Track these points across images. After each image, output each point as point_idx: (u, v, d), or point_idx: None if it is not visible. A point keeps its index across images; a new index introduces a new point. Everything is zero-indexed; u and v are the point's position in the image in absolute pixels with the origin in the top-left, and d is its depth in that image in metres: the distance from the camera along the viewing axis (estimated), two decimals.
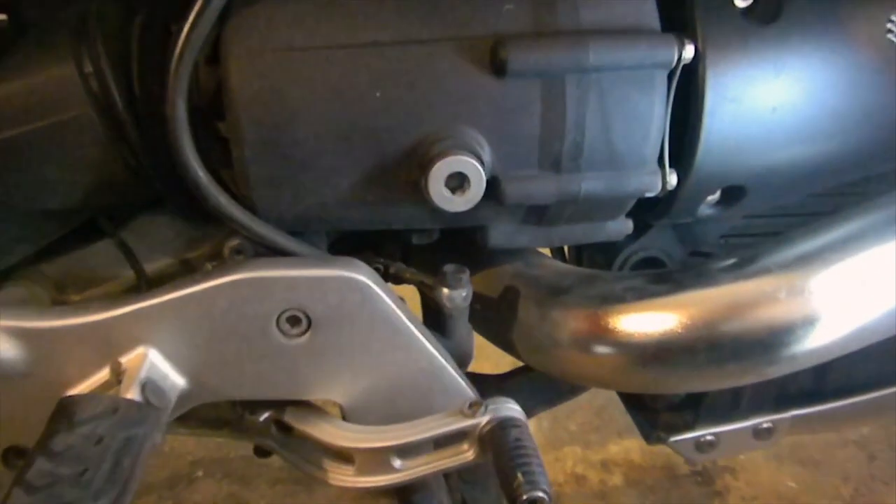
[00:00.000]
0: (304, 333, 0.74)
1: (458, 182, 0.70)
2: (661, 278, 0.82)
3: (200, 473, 1.74)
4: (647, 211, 0.86)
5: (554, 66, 0.68)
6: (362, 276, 0.73)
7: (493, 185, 0.72)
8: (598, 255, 0.98)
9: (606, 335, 0.80)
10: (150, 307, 0.72)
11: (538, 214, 0.79)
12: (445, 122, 0.70)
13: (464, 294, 0.81)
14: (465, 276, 0.80)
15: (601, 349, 0.81)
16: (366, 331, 0.75)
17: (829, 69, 0.75)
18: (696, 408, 1.07)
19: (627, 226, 0.85)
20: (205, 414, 0.84)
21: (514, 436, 0.68)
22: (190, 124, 0.70)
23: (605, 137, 0.71)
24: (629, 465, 1.79)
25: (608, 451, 1.82)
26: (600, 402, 1.95)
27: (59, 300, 0.85)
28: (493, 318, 0.92)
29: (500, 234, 0.82)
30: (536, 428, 1.91)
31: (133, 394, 0.68)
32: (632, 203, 0.80)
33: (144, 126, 0.73)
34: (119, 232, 0.85)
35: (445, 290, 0.80)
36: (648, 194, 0.76)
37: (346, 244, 0.91)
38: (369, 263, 0.80)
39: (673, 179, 0.76)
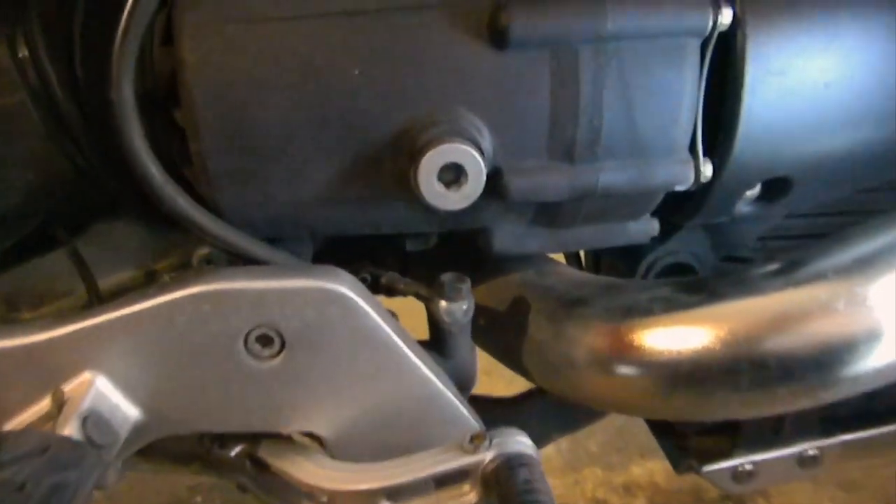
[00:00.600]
0: (276, 355, 0.64)
1: (453, 175, 0.59)
2: (693, 287, 0.70)
3: (199, 500, 1.66)
4: (675, 209, 0.74)
5: (565, 34, 0.58)
6: (343, 287, 0.63)
7: (494, 178, 0.62)
8: (618, 262, 0.87)
9: (631, 353, 0.68)
10: (95, 326, 0.61)
11: (549, 214, 0.68)
12: (437, 103, 0.59)
13: (464, 307, 0.70)
14: (466, 286, 0.69)
15: (625, 370, 0.69)
16: (349, 351, 0.64)
17: (891, 37, 0.64)
18: (732, 433, 0.95)
19: (653, 227, 0.74)
20: (169, 448, 0.73)
21: (523, 476, 0.57)
22: (144, 115, 0.60)
23: (626, 120, 0.60)
24: (654, 488, 1.69)
25: (631, 474, 1.71)
26: (622, 421, 1.84)
27: (10, 318, 0.75)
28: (501, 336, 0.81)
29: (506, 237, 0.71)
30: (554, 449, 1.80)
31: (71, 429, 0.58)
32: (658, 199, 0.68)
33: (89, 116, 0.63)
34: (75, 241, 0.75)
35: (443, 303, 0.70)
36: (678, 188, 0.64)
37: (337, 254, 0.80)
38: (356, 274, 0.70)
39: (707, 170, 0.64)
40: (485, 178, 0.60)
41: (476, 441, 0.61)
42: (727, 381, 0.66)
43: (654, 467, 1.75)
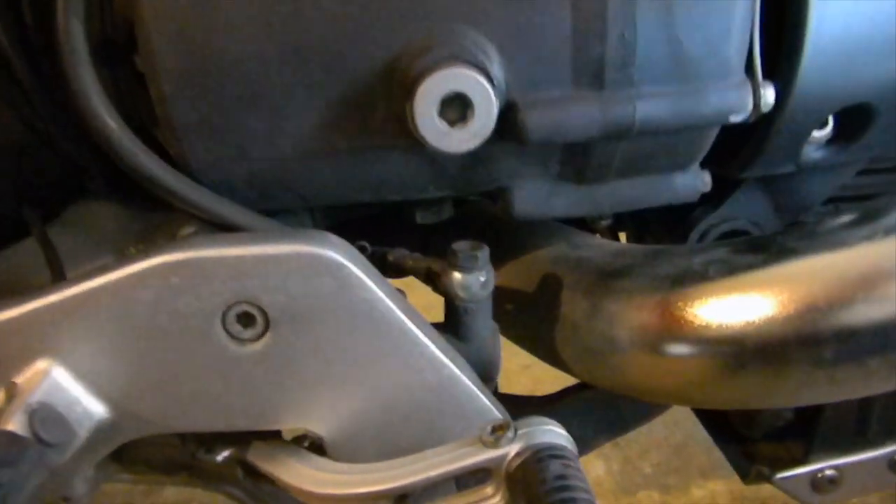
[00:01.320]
0: (260, 336, 0.54)
1: (458, 109, 0.50)
2: (757, 245, 0.58)
3: None
4: (729, 157, 0.63)
5: None
6: (335, 253, 0.53)
7: (508, 115, 0.52)
8: (665, 236, 0.76)
9: (685, 328, 0.57)
10: (47, 308, 0.53)
11: (578, 164, 0.58)
12: (434, 22, 0.49)
13: (482, 278, 0.59)
14: (483, 254, 0.59)
15: (679, 349, 0.58)
16: (346, 330, 0.54)
17: None
18: (808, 434, 0.82)
19: (704, 180, 0.62)
20: (150, 454, 0.64)
21: (555, 471, 0.46)
22: (105, 67, 0.53)
23: (665, 33, 0.50)
24: None
25: (691, 496, 1.57)
26: (679, 439, 1.70)
27: None
28: (530, 320, 0.70)
29: (528, 197, 0.60)
30: (605, 470, 1.67)
31: (15, 424, 0.49)
32: (710, 138, 0.57)
33: (39, 66, 0.56)
34: (48, 224, 0.67)
35: (457, 275, 0.59)
36: (734, 119, 0.53)
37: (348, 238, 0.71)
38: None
39: (769, 95, 0.53)
40: (496, 111, 0.49)
41: (499, 432, 0.50)
42: (807, 356, 0.53)
43: (717, 488, 1.61)
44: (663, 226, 0.78)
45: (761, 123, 0.57)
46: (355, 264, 0.54)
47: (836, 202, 0.74)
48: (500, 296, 0.71)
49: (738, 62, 0.52)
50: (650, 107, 0.51)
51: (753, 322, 0.54)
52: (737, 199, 0.72)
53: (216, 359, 0.55)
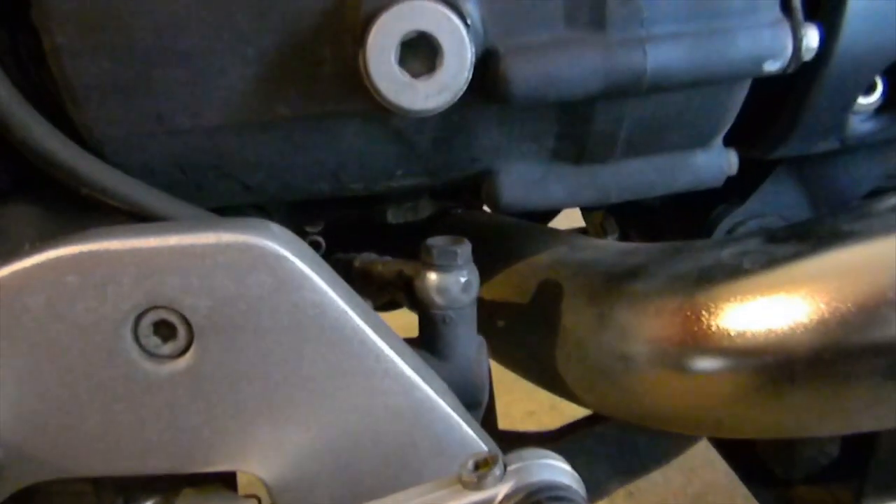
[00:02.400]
0: (182, 352, 0.43)
1: (423, 56, 0.40)
2: (803, 231, 0.47)
3: None
4: (757, 134, 0.53)
5: None
6: (275, 244, 0.42)
7: (487, 64, 0.41)
8: (681, 234, 0.65)
9: (717, 336, 0.46)
10: None
11: (578, 137, 0.47)
12: None
13: (462, 279, 0.48)
14: (464, 250, 0.48)
15: (709, 362, 0.46)
16: (290, 343, 0.43)
17: None
18: (858, 475, 0.69)
19: (730, 160, 0.52)
20: None
21: None
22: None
23: None
24: None
25: None
26: (697, 488, 1.56)
27: None
28: (525, 337, 0.59)
29: (519, 182, 0.50)
30: None
31: None
32: (738, 102, 0.47)
33: None
34: None
35: (433, 276, 0.48)
36: (769, 68, 0.43)
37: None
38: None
39: (812, 38, 0.43)
40: (470, 56, 0.39)
41: (483, 469, 0.38)
42: (876, 365, 0.42)
43: None
44: (678, 227, 0.67)
45: (799, 83, 0.47)
46: (301, 259, 0.43)
47: (881, 193, 0.63)
48: (489, 311, 0.60)
49: None
50: (665, 52, 0.41)
51: (804, 324, 0.43)
52: (765, 192, 0.61)
53: (126, 381, 0.43)
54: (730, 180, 0.55)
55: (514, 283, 0.61)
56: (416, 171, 0.50)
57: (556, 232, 0.65)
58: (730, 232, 0.62)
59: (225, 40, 0.42)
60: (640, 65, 0.41)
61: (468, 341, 0.50)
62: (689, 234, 0.64)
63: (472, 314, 0.50)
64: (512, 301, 0.60)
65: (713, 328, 0.46)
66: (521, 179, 0.50)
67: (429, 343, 0.50)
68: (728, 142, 0.52)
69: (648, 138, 0.48)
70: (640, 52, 0.41)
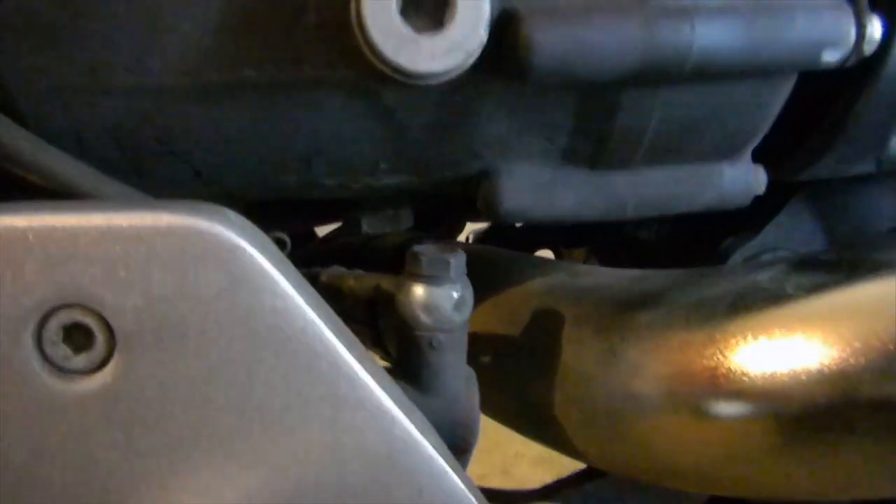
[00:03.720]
0: (100, 365, 0.34)
1: (430, 6, 0.33)
2: (840, 258, 0.41)
3: None
4: (789, 149, 0.47)
5: None
6: (231, 232, 0.33)
7: (505, 27, 0.34)
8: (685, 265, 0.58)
9: (754, 374, 0.38)
10: None
11: (599, 131, 0.41)
12: None
13: (455, 295, 0.40)
14: (458, 260, 0.40)
15: (742, 406, 0.39)
16: (242, 357, 0.34)
17: None
18: None
19: (758, 178, 0.46)
20: None
21: None
22: None
23: None
24: None
25: None
26: None
27: None
28: (515, 375, 0.51)
29: (523, 186, 0.43)
30: None
31: None
32: (781, 101, 0.41)
33: None
34: None
35: (419, 290, 0.40)
36: (828, 58, 0.37)
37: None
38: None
39: (875, 29, 0.37)
40: (489, 11, 0.32)
41: None
42: None
43: None
44: (682, 258, 0.60)
45: (847, 86, 0.41)
46: (263, 254, 0.34)
47: None
48: (473, 346, 0.52)
49: None
50: (714, 28, 0.35)
51: (868, 361, 0.36)
52: (780, 223, 0.55)
53: (23, 401, 0.33)
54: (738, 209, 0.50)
55: (501, 313, 0.53)
56: (403, 167, 0.42)
57: (546, 259, 0.58)
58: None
59: None
60: (685, 40, 0.35)
61: (457, 372, 0.42)
62: (687, 258, 0.57)
63: (463, 339, 0.42)
64: (498, 332, 0.52)
65: (750, 363, 0.39)
66: (526, 183, 0.43)
67: (410, 372, 0.41)
68: (756, 157, 0.46)
69: (676, 142, 0.42)
70: (686, 25, 0.35)
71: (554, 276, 0.52)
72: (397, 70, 0.33)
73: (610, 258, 0.76)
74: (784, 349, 0.38)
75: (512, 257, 0.59)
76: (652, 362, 0.42)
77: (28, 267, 0.32)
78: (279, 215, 0.51)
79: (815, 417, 0.37)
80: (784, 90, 0.40)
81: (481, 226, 1.12)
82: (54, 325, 0.33)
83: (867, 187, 0.53)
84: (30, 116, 0.36)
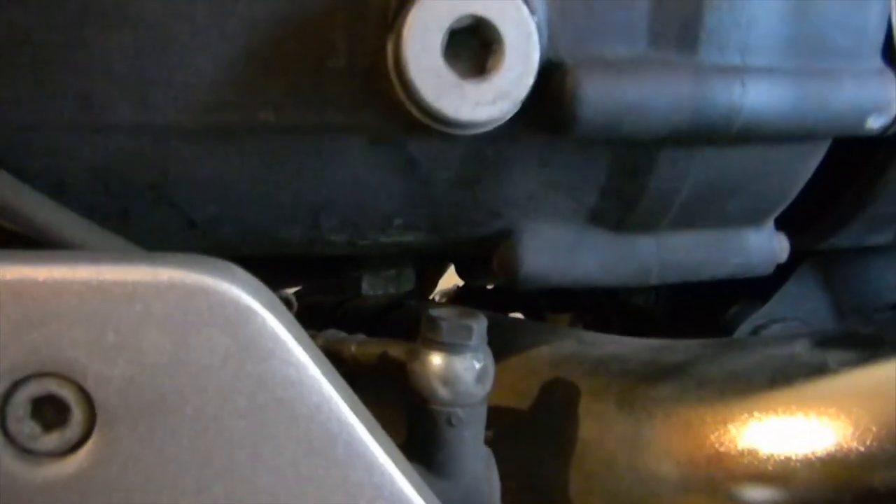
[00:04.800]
0: (75, 447, 0.28)
1: (473, 50, 0.30)
2: (866, 336, 0.39)
3: None
4: (812, 216, 0.46)
5: None
6: (239, 290, 0.29)
7: (550, 78, 0.32)
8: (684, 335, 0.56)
9: (802, 459, 0.35)
10: None
11: (628, 193, 0.38)
12: None
13: (477, 366, 0.36)
14: (480, 326, 0.37)
15: (791, 495, 0.36)
16: (247, 436, 0.29)
17: None
18: None
19: (781, 245, 0.44)
20: None
21: None
22: None
23: None
24: None
25: None
26: None
27: None
28: (522, 452, 0.47)
29: (545, 247, 0.40)
30: None
31: None
32: (814, 164, 0.40)
33: None
34: None
35: (437, 360, 0.36)
36: (873, 123, 0.36)
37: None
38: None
39: None
40: (537, 55, 0.30)
41: None
42: None
43: None
44: (674, 335, 0.58)
45: (880, 153, 0.40)
46: (275, 315, 0.30)
47: None
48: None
49: (874, 41, 0.36)
50: (764, 89, 0.33)
51: None
52: (787, 293, 0.54)
53: None
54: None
55: (507, 384, 0.49)
56: (419, 223, 0.39)
57: (550, 325, 0.55)
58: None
59: (196, 4, 0.30)
60: (736, 100, 0.33)
61: (476, 451, 0.37)
62: (701, 334, 0.55)
63: (482, 414, 0.38)
64: (505, 406, 0.48)
65: (798, 443, 0.36)
66: (548, 245, 0.40)
67: (424, 450, 0.37)
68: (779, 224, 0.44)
69: (706, 206, 0.40)
70: (737, 84, 0.33)
71: (562, 343, 0.49)
72: (437, 118, 0.30)
73: (598, 324, 0.73)
74: (836, 426, 0.35)
75: (511, 322, 0.55)
76: (685, 443, 0.39)
77: None
78: (268, 272, 0.47)
79: (874, 500, 0.34)
80: (818, 156, 0.39)
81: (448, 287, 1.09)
82: (22, 397, 0.28)
83: (875, 258, 0.52)
84: (7, 153, 0.31)
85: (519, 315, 0.94)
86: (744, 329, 0.54)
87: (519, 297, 0.85)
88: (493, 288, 0.88)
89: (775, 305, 0.54)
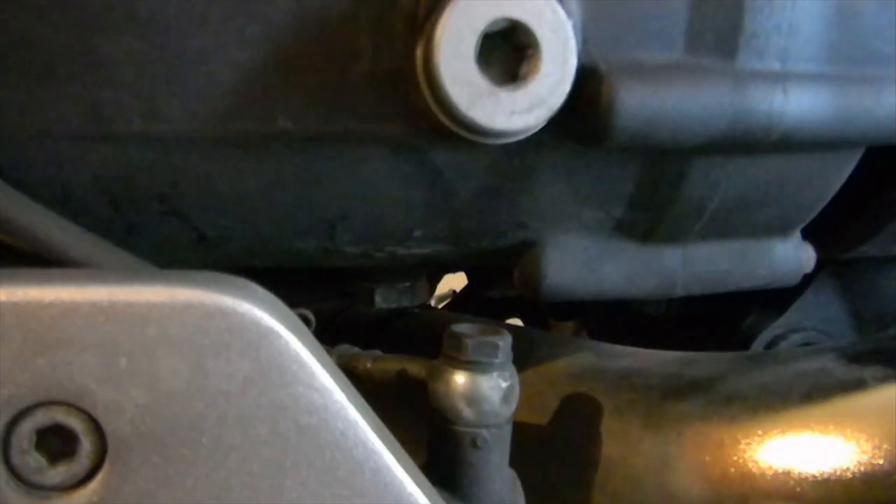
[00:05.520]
0: (83, 481, 0.26)
1: (506, 56, 0.28)
2: (891, 350, 0.38)
3: None
4: (838, 225, 0.45)
5: None
6: (260, 310, 0.27)
7: (584, 84, 0.30)
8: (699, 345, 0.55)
9: (844, 477, 0.34)
10: None
11: (657, 204, 0.37)
12: None
13: (503, 385, 0.35)
14: (506, 343, 0.35)
15: None
16: (267, 467, 0.27)
17: None
18: None
19: (808, 254, 0.43)
20: None
21: None
22: None
23: None
24: None
25: None
26: None
27: None
28: (540, 470, 0.45)
29: (570, 259, 0.38)
30: None
31: None
32: (842, 179, 0.39)
33: None
34: None
35: (461, 379, 0.34)
36: None
37: None
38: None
39: None
40: (574, 61, 0.29)
41: None
42: None
43: None
44: (685, 344, 0.57)
45: None
46: (298, 337, 0.28)
47: None
48: None
49: None
50: (805, 96, 0.32)
51: None
52: (806, 302, 0.53)
53: None
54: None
55: (523, 398, 0.47)
56: (439, 235, 0.37)
57: (563, 336, 0.53)
58: (768, 347, 0.52)
59: (213, 8, 0.28)
60: (777, 108, 0.32)
61: (502, 474, 0.36)
62: (720, 345, 0.54)
63: (508, 435, 0.36)
64: (521, 421, 0.47)
65: (838, 459, 0.35)
66: (573, 257, 0.38)
67: (447, 474, 0.35)
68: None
69: (737, 215, 0.38)
70: (778, 91, 0.31)
71: (580, 356, 0.47)
72: (470, 126, 0.28)
73: (605, 332, 0.72)
74: (873, 446, 0.34)
75: (525, 333, 0.54)
76: (717, 462, 0.37)
77: (0, 353, 0.25)
78: (272, 285, 0.45)
79: None
80: (852, 164, 0.38)
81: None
82: (27, 427, 0.26)
83: (895, 266, 0.51)
84: (8, 164, 0.29)
85: (517, 321, 0.93)
86: (762, 339, 0.53)
87: (519, 302, 0.84)
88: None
89: (793, 315, 0.53)
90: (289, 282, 0.48)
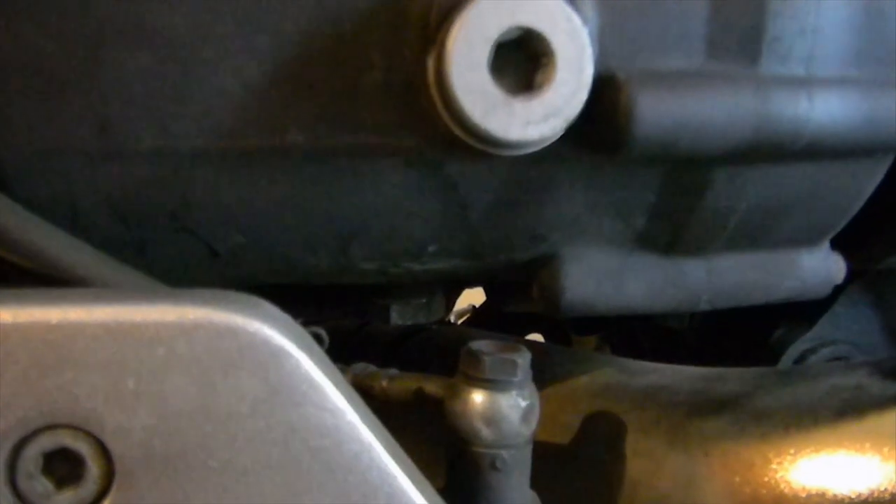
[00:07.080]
0: None
1: (521, 65, 0.28)
2: None
3: None
4: (869, 235, 0.43)
5: None
6: (272, 329, 0.26)
7: (602, 93, 0.30)
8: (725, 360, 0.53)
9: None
10: None
11: (679, 215, 0.36)
12: None
13: (523, 404, 0.34)
14: (524, 360, 0.34)
15: None
16: (278, 491, 0.26)
17: None
18: None
19: (838, 265, 0.41)
20: None
21: None
22: None
23: None
24: None
25: None
26: None
27: None
28: (563, 490, 0.44)
29: (590, 273, 0.37)
30: None
31: None
32: (872, 188, 0.37)
33: None
34: None
35: (479, 398, 0.33)
36: None
37: None
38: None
39: None
40: (591, 69, 0.28)
41: None
42: None
43: None
44: (710, 358, 0.55)
45: None
46: (310, 357, 0.27)
47: None
48: None
49: None
50: (831, 102, 0.31)
51: None
52: (836, 314, 0.51)
53: None
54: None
55: (544, 415, 0.46)
56: (456, 250, 0.36)
57: (586, 352, 0.52)
58: (798, 362, 0.51)
59: (222, 21, 0.28)
60: (802, 114, 0.30)
61: (523, 497, 0.34)
62: (745, 358, 0.52)
63: (528, 455, 0.35)
64: (543, 440, 0.45)
65: (874, 480, 0.33)
66: (593, 271, 0.37)
67: (466, 497, 0.34)
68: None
69: (762, 226, 0.37)
70: (803, 97, 0.30)
71: (603, 373, 0.46)
72: (484, 138, 0.27)
73: (628, 348, 0.70)
74: None
75: (545, 349, 0.53)
76: (747, 483, 0.36)
77: (6, 375, 0.25)
78: (297, 302, 0.44)
79: None
80: (882, 171, 0.37)
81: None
82: (33, 451, 0.25)
83: None
84: (15, 181, 0.29)
85: (538, 337, 0.91)
86: (791, 353, 0.51)
87: (540, 317, 0.82)
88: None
89: (823, 327, 0.51)
90: (304, 299, 0.47)
